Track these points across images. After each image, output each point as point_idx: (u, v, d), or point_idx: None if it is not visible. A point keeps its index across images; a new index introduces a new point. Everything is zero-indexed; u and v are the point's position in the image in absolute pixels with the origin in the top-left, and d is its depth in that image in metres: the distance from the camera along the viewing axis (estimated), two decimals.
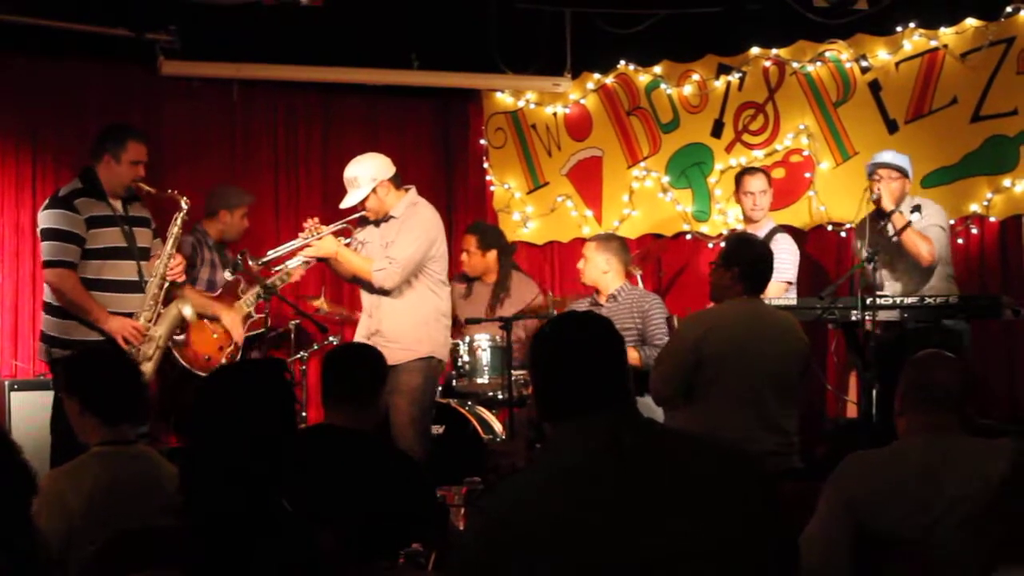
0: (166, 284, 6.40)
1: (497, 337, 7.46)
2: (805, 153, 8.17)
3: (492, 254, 8.12)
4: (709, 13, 8.20)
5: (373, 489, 3.94)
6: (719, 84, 8.48)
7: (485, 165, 9.34)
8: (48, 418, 6.09)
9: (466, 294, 8.17)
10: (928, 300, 6.35)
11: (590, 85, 8.95)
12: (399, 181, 6.71)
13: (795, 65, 8.18)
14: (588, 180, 8.98)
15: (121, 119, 7.35)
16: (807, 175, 8.17)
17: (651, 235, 8.77)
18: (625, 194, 8.83)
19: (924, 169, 7.55)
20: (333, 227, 6.69)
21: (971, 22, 7.59)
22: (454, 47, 8.86)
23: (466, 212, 9.38)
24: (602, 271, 7.29)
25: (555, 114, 9.09)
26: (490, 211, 9.25)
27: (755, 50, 8.33)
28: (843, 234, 8.02)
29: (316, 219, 6.71)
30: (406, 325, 6.52)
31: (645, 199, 8.78)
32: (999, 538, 3.03)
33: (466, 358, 7.53)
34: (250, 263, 6.76)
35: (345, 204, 6.66)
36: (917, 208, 6.86)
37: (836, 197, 7.97)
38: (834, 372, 7.51)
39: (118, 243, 6.33)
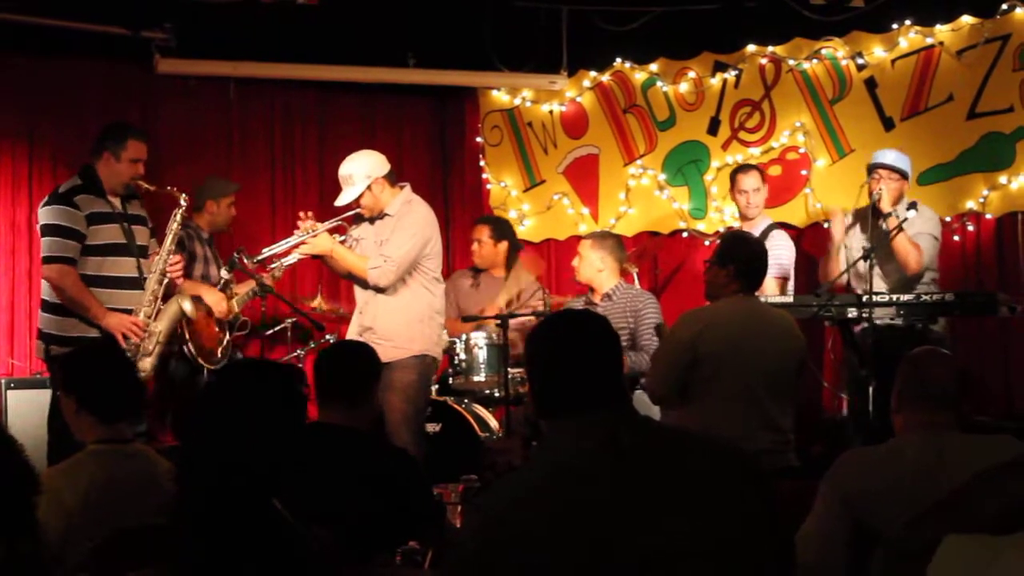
0: (165, 280, 6.42)
1: (494, 335, 7.46)
2: (801, 150, 8.18)
3: (503, 245, 8.13)
4: (705, 10, 8.21)
5: (369, 487, 3.94)
6: (715, 82, 8.48)
7: (481, 163, 9.35)
8: (45, 416, 6.10)
9: (474, 286, 8.18)
10: (925, 297, 6.35)
11: (586, 83, 8.95)
12: (394, 178, 6.71)
13: (791, 63, 8.19)
14: (584, 178, 8.99)
15: (117, 117, 7.36)
16: (803, 172, 8.18)
17: (647, 233, 8.78)
18: (621, 192, 8.83)
19: (920, 166, 7.55)
20: (328, 224, 6.69)
21: (967, 19, 7.60)
22: (450, 45, 8.86)
23: (463, 210, 9.39)
24: (597, 269, 7.28)
25: (551, 112, 9.09)
26: (486, 209, 9.25)
27: (751, 47, 8.34)
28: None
29: (311, 215, 6.71)
30: (399, 323, 6.52)
31: (641, 197, 8.78)
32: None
33: (462, 356, 7.53)
34: (246, 261, 6.77)
35: (340, 202, 6.66)
36: (913, 205, 6.86)
37: (832, 194, 7.97)
38: (831, 369, 7.51)
39: (118, 240, 6.35)
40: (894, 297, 6.40)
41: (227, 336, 7.13)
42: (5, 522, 2.19)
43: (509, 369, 7.15)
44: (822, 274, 7.18)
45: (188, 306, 6.63)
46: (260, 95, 8.90)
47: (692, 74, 8.57)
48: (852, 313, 6.32)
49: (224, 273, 7.18)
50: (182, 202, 6.54)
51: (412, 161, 9.03)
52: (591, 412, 2.60)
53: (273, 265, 6.90)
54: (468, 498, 4.48)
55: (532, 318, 7.37)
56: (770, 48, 8.28)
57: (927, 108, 7.73)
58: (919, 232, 6.88)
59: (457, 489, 4.68)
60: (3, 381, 7.14)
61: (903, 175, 6.99)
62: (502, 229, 8.24)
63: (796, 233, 8.05)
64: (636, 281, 7.91)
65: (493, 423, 7.40)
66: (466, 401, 7.55)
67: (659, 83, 8.68)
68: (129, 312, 6.31)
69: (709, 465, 2.57)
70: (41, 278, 6.48)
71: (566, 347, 2.71)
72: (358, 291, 6.71)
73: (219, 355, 7.06)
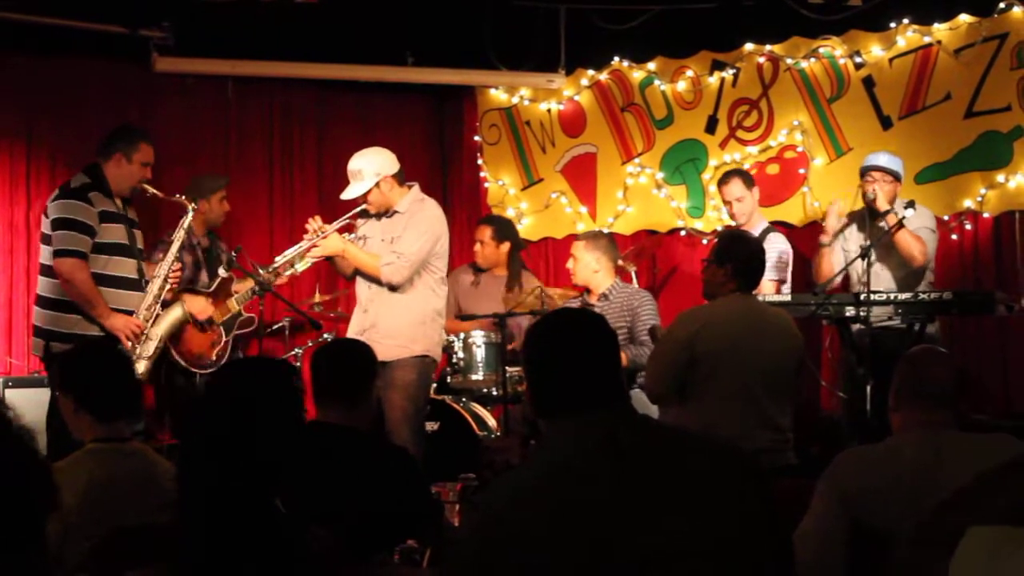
0: (167, 286, 6.49)
1: (492, 334, 7.46)
2: (799, 149, 8.19)
3: (505, 246, 8.14)
4: (703, 9, 8.21)
5: (367, 486, 3.94)
6: (713, 80, 8.48)
7: (479, 161, 9.35)
8: (43, 415, 6.10)
9: (474, 284, 8.18)
10: (923, 296, 6.35)
11: (584, 81, 8.96)
12: (403, 178, 6.71)
13: (789, 61, 8.19)
14: (582, 176, 8.99)
15: (116, 116, 7.39)
16: (801, 171, 8.18)
17: (645, 231, 8.78)
18: (619, 190, 8.83)
19: (918, 165, 7.56)
20: (337, 224, 6.69)
21: (964, 18, 7.61)
22: (448, 44, 8.86)
23: (460, 209, 9.39)
24: (592, 270, 7.29)
25: (549, 110, 9.09)
26: (484, 207, 9.26)
27: (749, 46, 8.34)
28: None
29: (319, 218, 6.71)
30: (403, 322, 6.52)
31: (639, 195, 8.79)
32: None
33: (461, 354, 7.53)
34: (261, 272, 6.79)
35: (346, 195, 6.66)
36: (911, 204, 6.87)
37: (830, 193, 7.96)
38: (828, 368, 7.51)
39: (122, 240, 6.41)
40: (892, 296, 6.40)
41: (223, 338, 7.12)
42: (11, 537, 2.17)
43: (507, 367, 7.16)
44: (815, 272, 7.19)
45: (183, 311, 6.74)
46: (258, 94, 8.90)
47: (690, 73, 8.58)
48: (850, 312, 6.32)
49: (222, 272, 7.19)
50: (190, 210, 6.62)
51: (410, 159, 8.99)
52: (589, 411, 2.60)
53: (287, 272, 6.91)
54: (466, 497, 4.48)
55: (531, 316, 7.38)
56: (768, 47, 8.28)
57: (925, 107, 7.73)
58: (918, 227, 6.89)
59: (455, 488, 4.67)
60: (1, 380, 7.14)
61: (896, 177, 7.00)
62: (504, 230, 8.24)
63: (793, 232, 8.06)
64: (634, 280, 7.91)
65: (491, 422, 7.40)
66: (464, 400, 7.56)
67: (657, 82, 8.68)
68: (130, 314, 6.35)
69: (708, 464, 2.57)
70: (39, 274, 6.50)
71: (564, 346, 2.72)
72: (360, 289, 6.70)
73: (213, 358, 7.07)
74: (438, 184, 9.36)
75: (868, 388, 6.13)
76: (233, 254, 7.28)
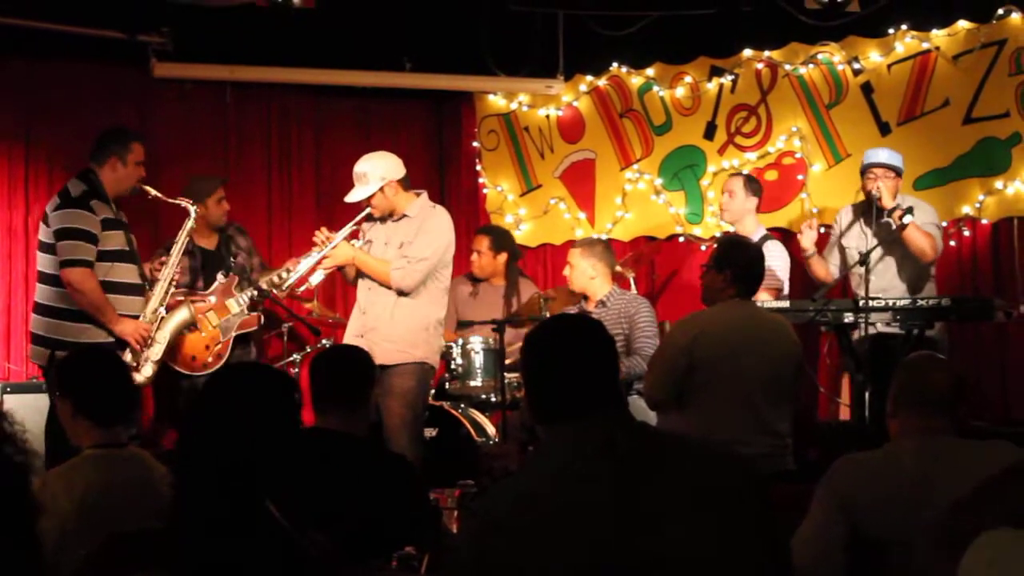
0: (172, 290, 6.53)
1: (490, 340, 7.46)
2: (797, 155, 8.18)
3: (503, 257, 8.14)
4: (701, 15, 8.20)
5: (365, 492, 3.94)
6: (712, 86, 8.49)
7: (478, 167, 9.35)
8: (42, 421, 6.09)
9: (472, 295, 8.18)
10: (921, 302, 6.35)
11: (583, 87, 8.96)
12: (408, 183, 6.71)
13: (787, 67, 8.19)
14: (581, 182, 8.99)
15: (114, 121, 7.37)
16: (799, 177, 8.18)
17: (644, 237, 8.78)
18: (618, 196, 8.84)
19: (916, 171, 7.55)
20: (344, 232, 6.69)
21: (963, 24, 7.60)
22: (447, 49, 8.87)
23: (459, 215, 9.36)
24: (589, 277, 7.28)
25: (548, 116, 9.09)
26: (483, 213, 9.26)
27: (747, 52, 8.34)
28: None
29: (324, 229, 6.72)
30: (405, 327, 6.52)
31: (638, 201, 8.79)
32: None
33: (459, 361, 7.53)
34: (275, 292, 6.82)
35: (350, 199, 6.67)
36: (910, 210, 6.87)
37: (829, 199, 7.97)
38: (826, 374, 7.51)
39: (123, 246, 6.42)
40: (890, 302, 6.40)
41: (220, 340, 7.11)
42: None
43: (506, 374, 7.15)
44: (814, 278, 7.20)
45: (191, 316, 6.76)
46: (256, 99, 8.90)
47: (688, 79, 8.58)
48: (848, 318, 6.32)
49: (221, 277, 7.19)
50: (192, 213, 6.63)
51: (408, 165, 8.88)
52: (587, 417, 2.60)
53: (301, 288, 6.91)
54: (465, 503, 4.48)
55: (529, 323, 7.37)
56: (766, 53, 8.28)
57: (923, 113, 7.73)
58: (924, 223, 6.89)
59: (454, 494, 4.66)
60: (0, 386, 7.13)
61: (897, 172, 7.00)
62: (502, 240, 8.24)
63: (792, 238, 8.05)
64: (633, 286, 7.91)
65: (490, 428, 7.39)
66: (463, 406, 7.55)
67: (656, 88, 8.68)
68: (135, 318, 6.38)
69: (706, 470, 2.56)
70: (38, 282, 6.49)
71: (562, 352, 2.71)
72: (361, 292, 6.69)
73: (210, 359, 7.06)
74: (436, 190, 9.35)
75: (867, 394, 6.13)
76: (231, 260, 7.29)
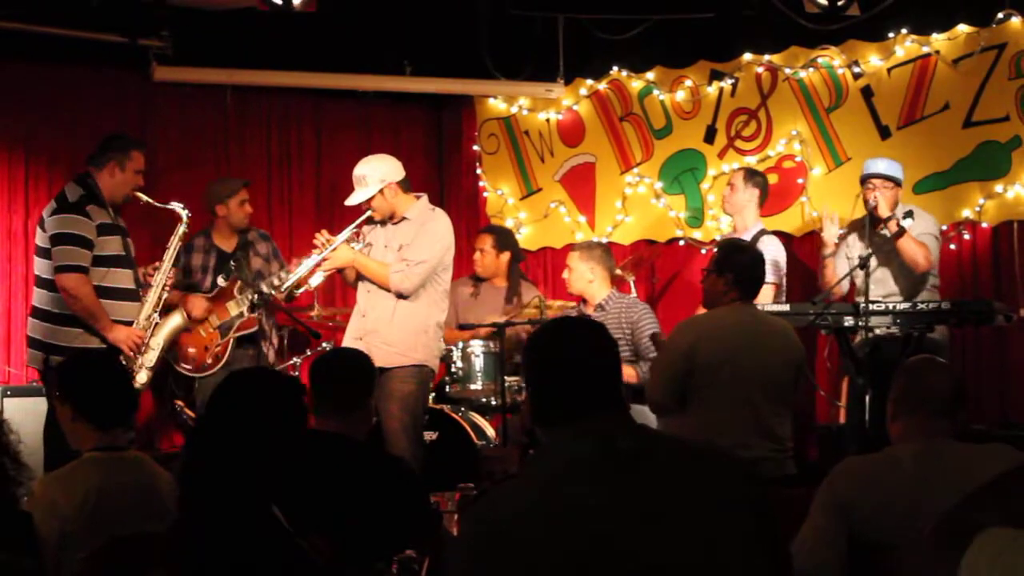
0: (165, 295, 6.51)
1: (491, 343, 7.46)
2: (798, 159, 8.18)
3: (506, 256, 8.14)
4: (702, 19, 8.21)
5: (365, 495, 3.94)
6: (712, 90, 8.49)
7: (478, 171, 9.35)
8: (41, 425, 6.11)
9: (474, 295, 8.18)
10: (921, 306, 6.35)
11: (583, 91, 8.96)
12: (408, 185, 6.71)
13: (787, 71, 8.19)
14: (581, 186, 8.99)
15: (114, 125, 7.38)
16: (799, 181, 8.18)
17: (644, 241, 8.78)
18: (618, 200, 8.84)
19: (916, 175, 7.56)
20: (344, 235, 6.69)
21: (963, 28, 7.60)
22: (447, 53, 8.87)
23: (459, 218, 9.36)
24: (587, 280, 7.29)
25: (548, 120, 9.09)
26: (483, 217, 9.26)
27: (748, 56, 8.34)
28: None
29: (325, 232, 6.72)
30: (403, 330, 6.51)
31: (638, 205, 8.79)
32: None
33: (459, 364, 7.53)
34: (273, 293, 6.82)
35: (350, 201, 6.67)
36: (910, 213, 6.87)
37: (829, 203, 7.95)
38: (826, 377, 7.51)
39: (119, 251, 6.42)
40: (890, 306, 6.40)
41: (219, 342, 7.11)
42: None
43: (506, 377, 7.15)
44: (821, 284, 7.19)
45: (185, 320, 6.77)
46: (257, 103, 8.90)
47: (689, 82, 8.58)
48: (849, 322, 6.32)
49: (221, 281, 7.20)
50: (184, 218, 6.62)
51: (409, 169, 8.88)
52: (587, 419, 2.59)
53: (300, 290, 6.91)
54: (465, 506, 4.48)
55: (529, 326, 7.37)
56: (766, 56, 8.28)
57: (923, 117, 7.73)
58: (921, 233, 6.90)
59: (454, 497, 4.67)
60: (0, 389, 7.13)
61: (896, 182, 7.01)
62: (505, 239, 8.24)
63: (792, 242, 8.06)
64: (633, 290, 7.90)
65: (490, 431, 7.39)
66: (463, 409, 7.55)
67: (656, 91, 8.69)
68: (129, 324, 6.37)
69: (706, 473, 2.56)
70: (36, 286, 6.50)
71: (561, 353, 2.71)
72: (361, 295, 6.69)
73: (209, 361, 7.08)
74: (436, 193, 9.35)
75: (867, 397, 6.14)
76: (231, 264, 7.28)
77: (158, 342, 6.52)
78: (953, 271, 7.57)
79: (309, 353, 7.87)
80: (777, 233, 7.88)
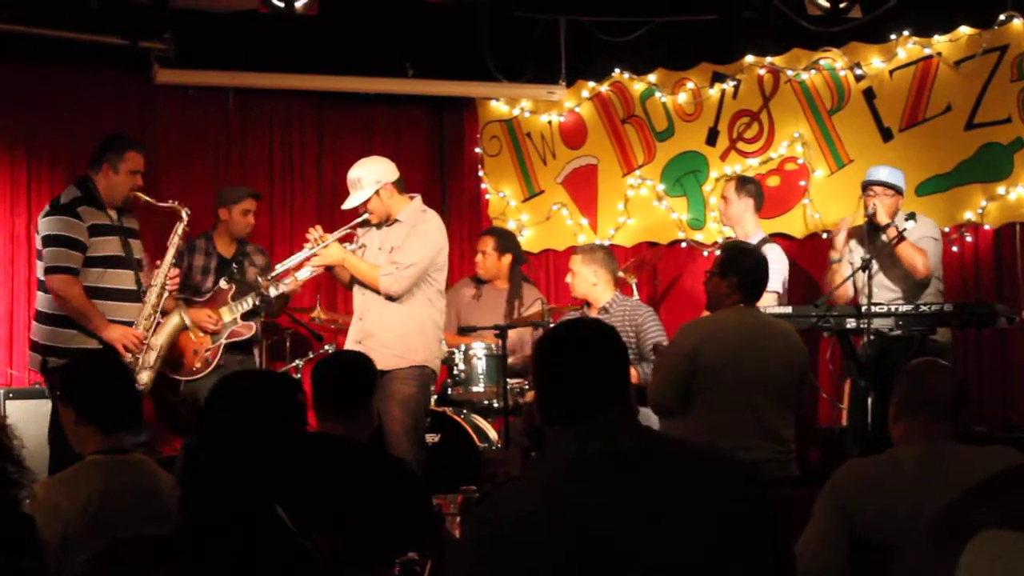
0: (165, 294, 6.49)
1: (493, 345, 7.45)
2: (800, 161, 8.18)
3: (507, 258, 8.13)
4: (703, 21, 8.21)
5: (368, 497, 3.94)
6: (714, 92, 8.49)
7: (480, 173, 9.35)
8: (44, 427, 6.11)
9: (475, 297, 8.18)
10: (923, 308, 6.35)
11: (585, 93, 8.96)
12: (403, 186, 6.71)
13: (789, 73, 8.19)
14: (583, 188, 8.99)
15: (116, 127, 7.37)
16: (802, 183, 8.18)
17: (646, 243, 8.78)
18: (620, 202, 8.83)
19: (918, 177, 7.56)
20: (337, 234, 6.69)
21: (965, 30, 7.61)
22: (449, 55, 8.87)
23: (461, 220, 9.38)
24: (591, 283, 7.29)
25: (550, 122, 9.09)
26: (485, 219, 9.25)
27: (749, 58, 8.35)
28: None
29: (319, 228, 6.72)
30: (401, 332, 6.51)
31: (640, 207, 8.79)
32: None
33: (461, 366, 7.53)
34: (259, 279, 6.81)
35: (347, 205, 6.67)
36: (912, 216, 6.87)
37: (831, 205, 7.98)
38: (828, 379, 7.51)
39: (117, 252, 6.40)
40: (893, 308, 6.40)
41: (208, 346, 7.10)
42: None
43: (508, 380, 7.15)
44: (825, 288, 7.19)
45: (188, 320, 6.73)
46: (259, 105, 8.90)
47: (690, 85, 8.58)
48: (851, 324, 6.32)
49: (223, 284, 7.20)
50: (184, 216, 6.60)
51: (411, 171, 8.99)
52: (591, 419, 2.59)
53: (287, 281, 6.90)
54: (467, 509, 4.47)
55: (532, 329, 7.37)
56: (768, 59, 8.29)
57: (925, 119, 7.74)
58: (921, 237, 6.90)
59: (456, 500, 4.67)
60: (2, 392, 7.13)
61: (897, 190, 7.01)
62: (507, 242, 8.23)
63: (794, 244, 8.06)
64: (635, 292, 7.90)
65: (492, 434, 7.39)
66: (465, 412, 7.55)
67: (658, 93, 8.69)
68: (129, 325, 6.36)
69: (707, 474, 2.56)
70: (37, 289, 6.50)
71: (567, 353, 2.71)
72: (357, 298, 6.69)
73: (197, 365, 7.07)
74: (438, 195, 9.35)
75: (869, 400, 6.13)
76: (233, 267, 7.28)
77: (159, 342, 6.50)
78: (955, 273, 7.57)
79: (311, 356, 7.87)
80: (779, 236, 7.87)
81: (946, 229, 7.48)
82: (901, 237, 6.79)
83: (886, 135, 7.85)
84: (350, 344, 6.58)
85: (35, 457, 5.76)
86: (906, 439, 3.55)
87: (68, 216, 6.28)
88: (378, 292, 6.53)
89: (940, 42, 7.70)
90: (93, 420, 3.93)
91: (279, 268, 6.78)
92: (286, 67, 8.56)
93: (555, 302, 8.39)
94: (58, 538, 3.64)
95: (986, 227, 7.57)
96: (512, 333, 7.41)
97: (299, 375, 7.76)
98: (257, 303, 7.12)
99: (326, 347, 7.79)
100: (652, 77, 8.74)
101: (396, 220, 6.63)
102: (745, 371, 5.18)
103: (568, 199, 9.05)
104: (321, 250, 6.62)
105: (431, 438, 7.19)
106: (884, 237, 6.87)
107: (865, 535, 3.38)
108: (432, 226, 6.66)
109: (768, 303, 6.84)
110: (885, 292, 6.92)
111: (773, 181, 8.19)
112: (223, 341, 7.16)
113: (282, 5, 7.39)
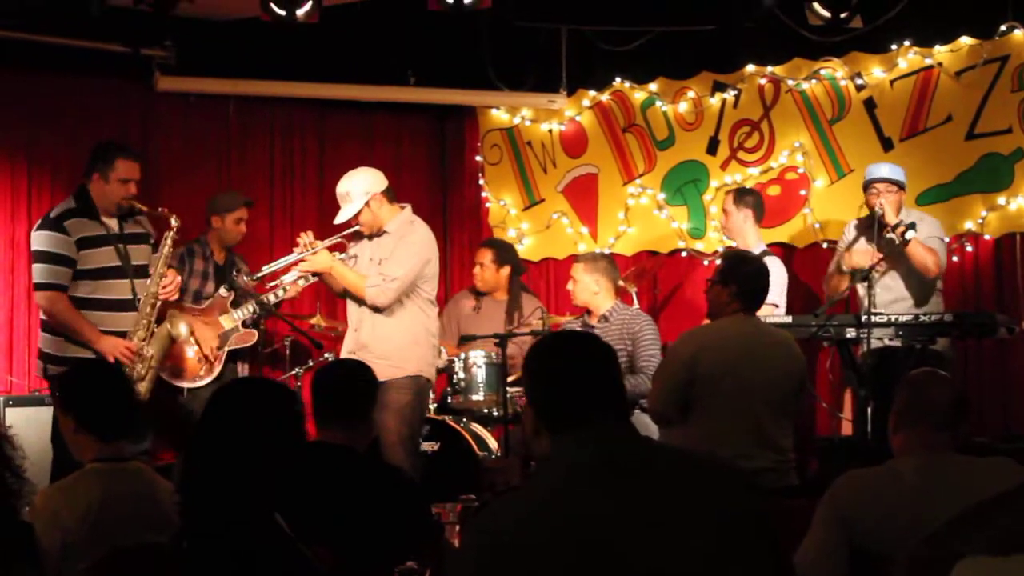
0: (158, 303, 6.45)
1: (492, 354, 7.45)
2: (800, 171, 8.18)
3: (506, 270, 8.13)
4: (704, 30, 8.21)
5: (367, 506, 3.94)
6: (714, 101, 8.49)
7: (481, 182, 9.36)
8: (44, 434, 6.10)
9: (475, 309, 8.18)
10: (923, 318, 6.35)
11: (585, 102, 8.97)
12: (392, 195, 6.71)
13: (790, 83, 8.19)
14: (584, 197, 8.99)
15: (117, 135, 7.38)
16: (802, 192, 8.17)
17: (647, 252, 8.78)
18: (621, 211, 8.84)
19: (919, 187, 7.55)
20: (328, 242, 6.70)
21: (965, 40, 7.60)
22: (450, 64, 8.88)
23: (461, 229, 9.39)
24: (592, 292, 7.28)
25: (551, 131, 9.10)
26: (485, 228, 9.26)
27: (750, 67, 8.34)
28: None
29: (311, 233, 6.72)
30: (394, 343, 6.52)
31: (640, 216, 8.79)
32: None
33: (461, 375, 7.52)
34: (245, 279, 6.80)
35: (339, 219, 6.67)
36: (912, 225, 6.86)
37: (831, 214, 7.97)
38: (827, 389, 7.50)
39: (111, 263, 6.36)
40: (893, 317, 6.40)
41: (203, 358, 7.09)
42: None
43: (508, 388, 7.14)
44: (828, 287, 7.20)
45: (183, 329, 6.70)
46: (260, 113, 8.91)
47: (691, 94, 8.58)
48: (851, 333, 6.32)
49: (223, 292, 7.20)
50: (173, 224, 6.55)
51: (411, 179, 9.04)
52: (588, 427, 2.59)
53: (273, 283, 6.90)
54: (466, 518, 4.47)
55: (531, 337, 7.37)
56: (769, 68, 8.28)
57: (926, 129, 7.73)
58: (928, 237, 6.89)
59: (455, 508, 4.66)
60: (2, 399, 7.13)
61: (900, 186, 7.00)
62: (505, 253, 8.23)
63: (795, 253, 8.06)
64: (635, 300, 7.90)
65: (492, 442, 7.39)
66: (464, 420, 7.54)
67: (658, 103, 8.69)
68: (123, 335, 6.32)
69: (706, 483, 2.56)
70: None
71: (561, 360, 2.71)
72: (351, 309, 6.70)
73: (200, 373, 7.07)
74: (439, 204, 9.37)
75: (869, 410, 6.13)
76: (234, 274, 7.28)
77: (152, 352, 6.46)
78: (956, 283, 7.56)
79: (311, 364, 7.87)
80: (779, 245, 7.87)
81: (946, 239, 7.47)
82: (905, 240, 6.76)
83: (887, 145, 7.85)
84: (347, 355, 6.58)
85: (36, 464, 5.78)
86: (905, 450, 3.56)
87: (55, 231, 6.27)
88: (364, 302, 6.54)
89: (941, 52, 7.69)
90: (92, 429, 3.93)
91: (266, 269, 6.79)
92: (287, 75, 8.58)
93: (555, 311, 8.39)
94: (58, 547, 3.64)
95: (986, 237, 7.56)
96: (512, 346, 7.40)
97: (299, 383, 7.76)
98: (257, 310, 7.12)
99: (326, 355, 7.79)
100: (653, 86, 8.74)
101: (385, 231, 6.63)
102: (744, 380, 5.18)
103: (568, 208, 9.05)
104: (310, 256, 6.62)
105: (430, 447, 7.19)
106: (892, 236, 6.84)
107: (865, 545, 3.38)
108: (419, 237, 6.66)
109: (766, 315, 6.85)
110: (893, 292, 6.90)
111: (774, 191, 8.18)
112: (227, 349, 7.16)
113: (283, 13, 7.40)
